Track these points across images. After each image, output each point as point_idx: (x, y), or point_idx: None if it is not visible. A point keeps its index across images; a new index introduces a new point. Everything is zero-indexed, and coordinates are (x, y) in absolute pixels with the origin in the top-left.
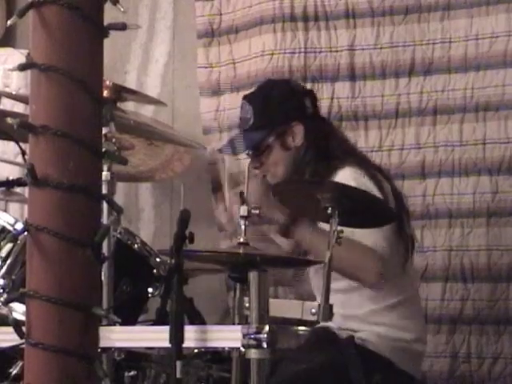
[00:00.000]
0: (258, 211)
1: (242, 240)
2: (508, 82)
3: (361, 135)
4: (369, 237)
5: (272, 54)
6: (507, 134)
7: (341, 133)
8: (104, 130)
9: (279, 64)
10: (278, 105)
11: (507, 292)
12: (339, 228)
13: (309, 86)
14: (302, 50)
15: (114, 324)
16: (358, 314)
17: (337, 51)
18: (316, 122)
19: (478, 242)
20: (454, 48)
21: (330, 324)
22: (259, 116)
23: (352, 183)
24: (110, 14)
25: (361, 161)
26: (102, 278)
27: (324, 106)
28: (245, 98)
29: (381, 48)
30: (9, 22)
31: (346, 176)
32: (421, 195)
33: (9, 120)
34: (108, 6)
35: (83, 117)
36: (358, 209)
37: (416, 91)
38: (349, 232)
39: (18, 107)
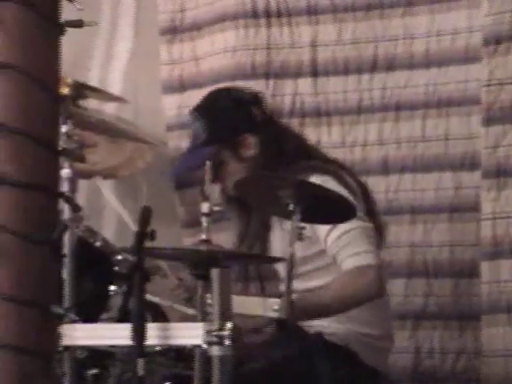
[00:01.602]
0: (220, 208)
1: (204, 237)
2: (469, 78)
3: (323, 131)
4: (359, 246)
5: (235, 51)
6: (469, 130)
7: (297, 133)
8: (64, 128)
9: (242, 60)
10: (227, 118)
11: (469, 287)
12: (301, 224)
13: (271, 82)
14: (265, 46)
15: (76, 322)
16: None
17: (299, 47)
18: (267, 128)
19: (441, 237)
20: (416, 44)
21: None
22: (209, 131)
23: None
24: (73, 10)
25: (323, 163)
26: (64, 275)
27: (287, 103)
28: (193, 112)
29: (343, 44)
30: None
31: None
32: (383, 191)
33: None
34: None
35: (40, 114)
36: (319, 205)
37: (378, 87)
38: (336, 242)
39: None
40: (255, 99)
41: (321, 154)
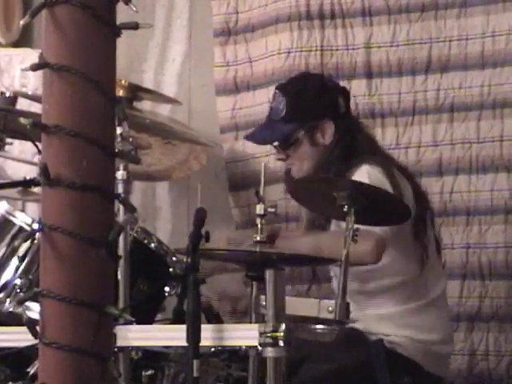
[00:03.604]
0: (274, 209)
1: (258, 238)
2: None
3: (377, 133)
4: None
5: (289, 53)
6: None
7: (368, 131)
8: (119, 130)
9: (296, 62)
10: (312, 100)
11: None
12: (355, 226)
13: None
14: (319, 48)
15: (131, 323)
16: (385, 314)
17: (353, 49)
18: (346, 120)
19: (496, 239)
20: (471, 45)
21: (358, 325)
22: (291, 109)
23: (365, 179)
24: (128, 13)
25: (383, 159)
26: (119, 277)
27: None
28: (278, 88)
29: (397, 45)
30: (21, 22)
31: (361, 173)
32: (438, 193)
33: (22, 120)
34: (125, 6)
35: (96, 116)
36: (374, 207)
37: (433, 88)
38: None
39: (35, 107)
40: (343, 90)
41: (385, 153)
